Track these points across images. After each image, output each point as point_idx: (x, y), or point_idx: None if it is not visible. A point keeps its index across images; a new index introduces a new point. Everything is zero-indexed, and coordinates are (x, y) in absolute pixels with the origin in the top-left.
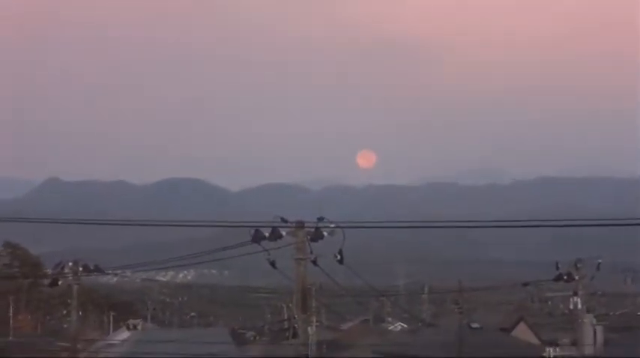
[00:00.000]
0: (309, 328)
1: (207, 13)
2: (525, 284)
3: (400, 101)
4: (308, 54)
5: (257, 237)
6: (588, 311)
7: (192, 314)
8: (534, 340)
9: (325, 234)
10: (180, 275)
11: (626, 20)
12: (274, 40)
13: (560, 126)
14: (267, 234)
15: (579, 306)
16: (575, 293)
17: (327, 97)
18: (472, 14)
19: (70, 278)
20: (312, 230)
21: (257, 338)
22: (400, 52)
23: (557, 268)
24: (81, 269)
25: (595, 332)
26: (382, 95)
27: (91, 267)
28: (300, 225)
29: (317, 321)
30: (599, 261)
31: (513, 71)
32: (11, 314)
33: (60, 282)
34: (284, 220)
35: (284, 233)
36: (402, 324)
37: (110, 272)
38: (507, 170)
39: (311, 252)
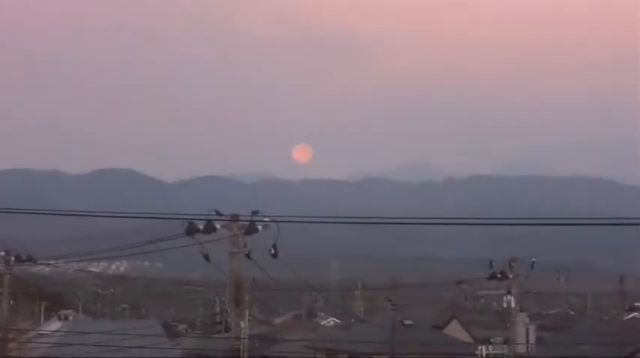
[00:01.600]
0: (241, 322)
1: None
2: (459, 282)
3: (337, 96)
4: (248, 47)
5: (191, 230)
6: (521, 310)
7: (125, 305)
8: (467, 338)
9: (259, 227)
10: (113, 266)
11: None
12: (215, 32)
13: (494, 125)
14: (201, 227)
15: (512, 305)
16: (509, 292)
17: (265, 91)
18: (407, 10)
19: (2, 267)
20: (247, 223)
21: (189, 330)
22: (339, 45)
23: (491, 266)
24: (13, 258)
25: (528, 331)
26: (319, 90)
27: (24, 257)
28: (235, 218)
29: (250, 315)
30: (534, 259)
31: (449, 68)
32: None
33: None
34: (218, 213)
35: (218, 226)
36: (335, 320)
37: (42, 262)
38: (442, 167)
39: (245, 246)
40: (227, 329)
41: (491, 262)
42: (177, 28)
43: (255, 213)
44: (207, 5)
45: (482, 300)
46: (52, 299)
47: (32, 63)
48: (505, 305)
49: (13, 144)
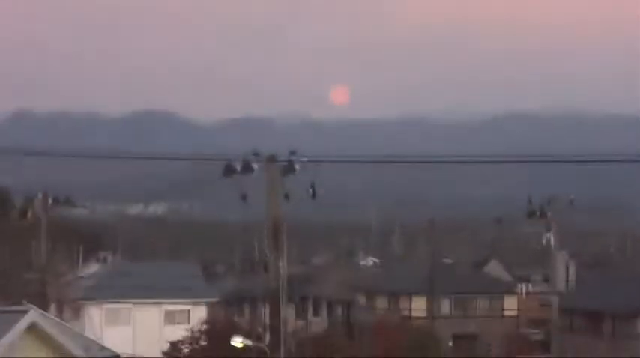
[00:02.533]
0: (280, 262)
1: None
2: (497, 220)
3: (371, 36)
4: None
5: (228, 171)
6: (561, 248)
7: (163, 247)
8: (506, 276)
9: (297, 167)
10: (151, 208)
11: None
12: None
13: (539, 61)
14: (238, 168)
15: (552, 243)
16: (548, 230)
17: (302, 31)
18: None
19: (40, 210)
20: (284, 163)
21: (227, 272)
22: None
23: (530, 203)
24: (50, 201)
25: (567, 269)
26: (354, 31)
27: (61, 200)
28: (272, 158)
29: (288, 256)
30: (572, 197)
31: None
32: None
33: (29, 214)
34: (255, 154)
35: (255, 166)
36: (374, 259)
37: (80, 205)
38: (482, 107)
39: (283, 187)
40: (266, 270)
41: (529, 199)
42: None
43: (292, 153)
44: None
45: (521, 238)
46: (91, 241)
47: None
48: (544, 243)
49: (51, 85)
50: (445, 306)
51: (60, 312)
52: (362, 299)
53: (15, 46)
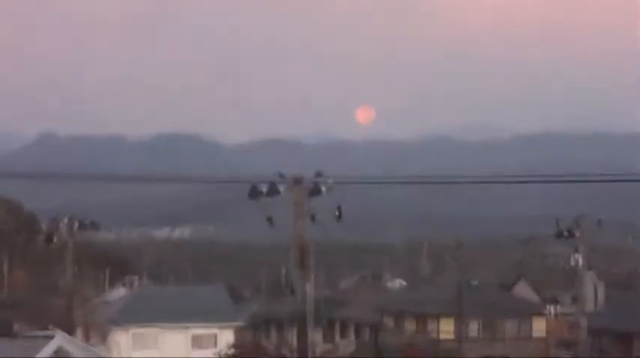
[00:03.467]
0: (306, 285)
1: None
2: (526, 241)
3: (396, 55)
4: (308, 6)
5: (254, 193)
6: (590, 269)
7: (189, 270)
8: (535, 297)
9: (323, 189)
10: (177, 231)
11: None
12: None
13: (567, 78)
14: (264, 190)
15: (580, 263)
16: (576, 250)
17: (326, 53)
18: None
19: (66, 234)
20: (310, 185)
21: (254, 295)
22: (392, 4)
23: (558, 224)
24: (76, 225)
25: (596, 289)
26: (378, 50)
27: (87, 224)
28: (298, 180)
29: (315, 278)
30: (600, 217)
31: (515, 20)
32: (6, 271)
33: (55, 238)
34: (282, 176)
35: (282, 188)
36: (401, 281)
37: (106, 228)
38: (508, 125)
39: (309, 208)
40: (292, 293)
41: (557, 220)
42: None
43: (318, 174)
44: None
45: (550, 259)
46: (117, 265)
47: (92, 21)
48: (573, 263)
49: (75, 110)
50: (473, 329)
51: (86, 337)
52: (389, 322)
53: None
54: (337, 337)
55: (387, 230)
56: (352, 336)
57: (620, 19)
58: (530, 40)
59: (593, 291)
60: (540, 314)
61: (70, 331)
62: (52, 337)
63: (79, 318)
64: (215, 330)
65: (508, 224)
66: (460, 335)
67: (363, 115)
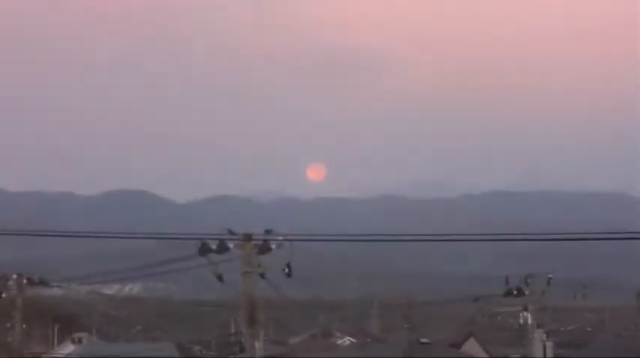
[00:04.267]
0: (256, 342)
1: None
2: (476, 300)
3: (347, 113)
4: (256, 61)
5: (204, 250)
6: (538, 327)
7: (139, 327)
8: (484, 355)
9: (273, 246)
10: (127, 287)
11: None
12: (222, 45)
13: (511, 140)
14: (214, 247)
15: (529, 321)
16: (526, 309)
17: (278, 111)
18: (417, 23)
19: (14, 290)
20: (260, 242)
21: (204, 352)
22: (344, 61)
23: (507, 283)
24: (25, 281)
25: (545, 348)
26: (330, 107)
27: (36, 280)
28: (248, 237)
29: (264, 335)
30: (550, 275)
31: (463, 83)
32: None
33: (3, 295)
34: (231, 232)
35: (231, 245)
36: (351, 339)
37: (55, 284)
38: (456, 185)
39: (259, 266)
40: (242, 350)
41: (507, 278)
42: (180, 49)
43: (268, 232)
44: (213, 19)
45: (499, 317)
46: (66, 321)
47: (37, 85)
48: (522, 322)
49: (25, 167)
50: None
51: None
52: None
53: None
54: None
55: (338, 287)
56: None
57: None
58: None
59: (542, 349)
60: None
61: None
62: None
63: None
64: None
65: (458, 281)
66: None
67: (315, 174)
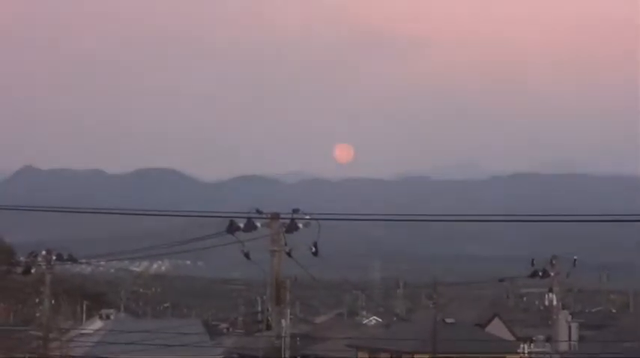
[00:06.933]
0: (282, 320)
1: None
2: (501, 280)
3: (376, 95)
4: (284, 45)
5: (232, 228)
6: (563, 308)
7: (166, 304)
8: (509, 336)
9: (300, 225)
10: (155, 265)
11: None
12: (250, 31)
13: (538, 122)
14: (241, 225)
15: (554, 303)
16: (551, 290)
17: (306, 90)
18: (454, 11)
19: (43, 266)
20: (287, 221)
21: (230, 329)
22: (375, 45)
23: (533, 264)
24: (54, 258)
25: (570, 329)
26: (359, 90)
27: (65, 257)
28: (275, 216)
29: (291, 314)
30: (575, 257)
31: (489, 67)
32: None
33: (33, 271)
34: (259, 211)
35: (259, 224)
36: (377, 318)
37: (84, 261)
38: (485, 166)
39: (285, 244)
40: (268, 328)
41: (532, 260)
42: (212, 28)
43: (295, 211)
44: (245, 4)
45: (524, 298)
46: (94, 298)
47: (74, 63)
48: (547, 303)
49: (56, 145)
50: None
51: None
52: None
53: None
54: None
55: (365, 267)
56: None
57: None
58: None
59: (566, 331)
60: (514, 352)
61: None
62: None
63: (54, 351)
64: None
65: (483, 263)
66: None
67: (342, 154)
